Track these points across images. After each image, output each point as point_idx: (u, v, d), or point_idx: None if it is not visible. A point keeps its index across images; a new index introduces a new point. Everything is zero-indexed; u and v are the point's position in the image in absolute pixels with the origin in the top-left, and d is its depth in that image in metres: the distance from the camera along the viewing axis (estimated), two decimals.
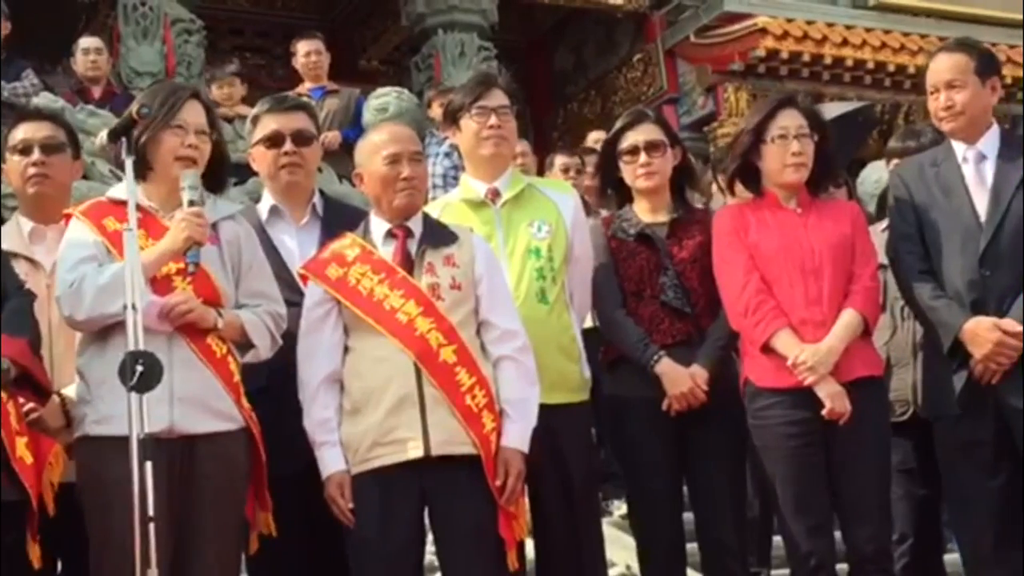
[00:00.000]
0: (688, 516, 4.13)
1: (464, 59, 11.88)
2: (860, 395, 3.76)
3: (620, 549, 5.27)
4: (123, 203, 3.29)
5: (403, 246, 3.60)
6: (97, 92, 8.08)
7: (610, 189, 4.28)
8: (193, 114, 3.48)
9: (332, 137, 7.51)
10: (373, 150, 3.67)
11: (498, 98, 4.00)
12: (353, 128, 7.88)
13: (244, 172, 6.21)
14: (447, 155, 7.54)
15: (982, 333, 3.77)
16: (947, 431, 3.94)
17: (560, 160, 6.87)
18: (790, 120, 3.93)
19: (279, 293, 3.57)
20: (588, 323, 4.34)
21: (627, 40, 14.15)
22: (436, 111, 8.28)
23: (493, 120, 3.96)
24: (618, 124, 4.24)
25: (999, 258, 3.83)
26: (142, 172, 3.44)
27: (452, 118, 4.07)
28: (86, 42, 8.35)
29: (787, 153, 3.90)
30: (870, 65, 12.94)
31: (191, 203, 3.31)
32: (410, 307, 3.48)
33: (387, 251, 3.60)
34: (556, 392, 3.78)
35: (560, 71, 15.28)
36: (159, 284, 3.30)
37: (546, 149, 8.76)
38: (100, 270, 3.28)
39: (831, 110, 11.88)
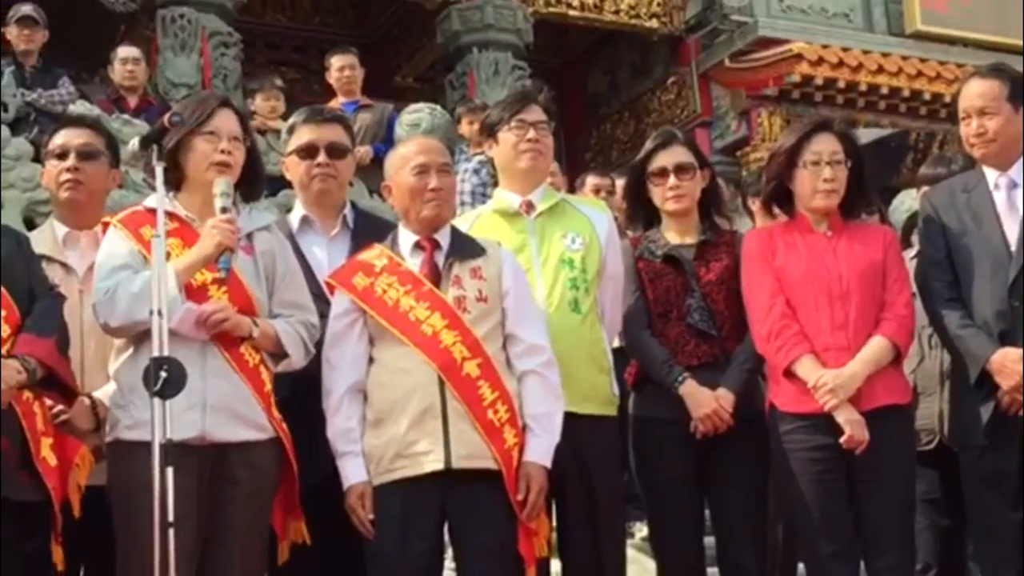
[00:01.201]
0: (710, 540, 4.11)
1: (498, 78, 11.93)
2: (883, 423, 3.73)
3: (640, 572, 5.24)
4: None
5: (430, 258, 3.61)
6: (133, 102, 8.12)
7: (639, 210, 4.27)
8: (225, 121, 3.49)
9: (364, 152, 7.52)
10: (401, 162, 3.68)
11: (536, 113, 4.00)
12: (385, 143, 7.90)
13: (276, 184, 6.27)
14: (476, 172, 7.54)
15: (1009, 364, 3.73)
16: (973, 461, 3.89)
17: (592, 180, 6.88)
18: (824, 145, 3.91)
19: (313, 303, 3.58)
20: (616, 343, 4.33)
21: (661, 63, 14.17)
22: (466, 128, 8.29)
23: (531, 134, 3.96)
24: (648, 145, 4.22)
25: None
26: (176, 182, 3.48)
27: (489, 131, 4.06)
28: (124, 51, 8.39)
29: (819, 179, 3.88)
30: (905, 93, 12.91)
31: (223, 210, 3.33)
32: (435, 319, 3.48)
33: (414, 263, 3.61)
34: (585, 403, 3.77)
35: (594, 92, 15.31)
36: (195, 293, 3.32)
37: (579, 170, 8.79)
38: (133, 278, 3.30)
39: (864, 136, 11.86)
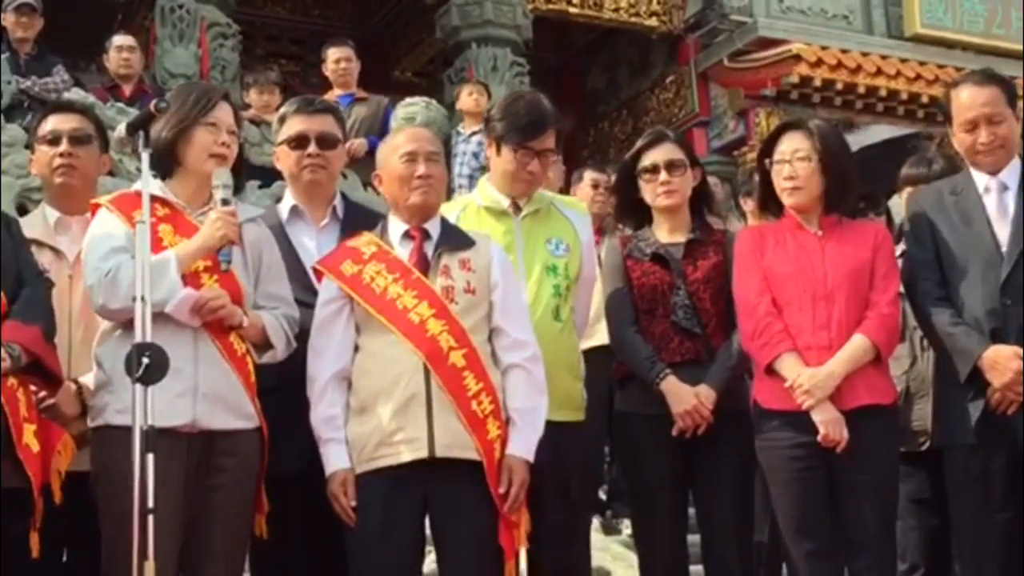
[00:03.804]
0: (695, 539, 4.10)
1: (497, 74, 11.91)
2: (864, 424, 3.71)
3: (626, 568, 5.26)
4: (156, 199, 3.32)
5: (420, 247, 3.60)
6: (128, 90, 8.10)
7: (627, 208, 4.26)
8: (225, 114, 3.51)
9: (358, 144, 7.52)
10: (391, 151, 3.68)
11: (547, 141, 3.93)
12: (380, 136, 7.89)
13: (269, 175, 6.26)
14: (475, 155, 7.52)
15: (1002, 361, 3.72)
16: (959, 460, 3.88)
17: (590, 176, 6.84)
18: (788, 144, 3.93)
19: (292, 297, 3.59)
20: (604, 340, 4.33)
21: (660, 62, 14.19)
22: (465, 100, 8.25)
23: (534, 165, 3.92)
24: (638, 144, 4.22)
25: (1021, 287, 3.78)
26: (169, 168, 3.48)
27: (496, 141, 3.98)
28: (119, 40, 8.37)
29: (780, 177, 3.91)
30: (904, 96, 12.93)
31: (224, 201, 3.34)
32: (423, 308, 3.47)
33: (404, 252, 3.60)
34: (562, 410, 3.77)
35: (592, 90, 15.32)
36: (188, 280, 3.31)
37: (575, 167, 8.76)
38: (130, 262, 3.26)
39: (877, 134, 11.83)
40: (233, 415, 3.33)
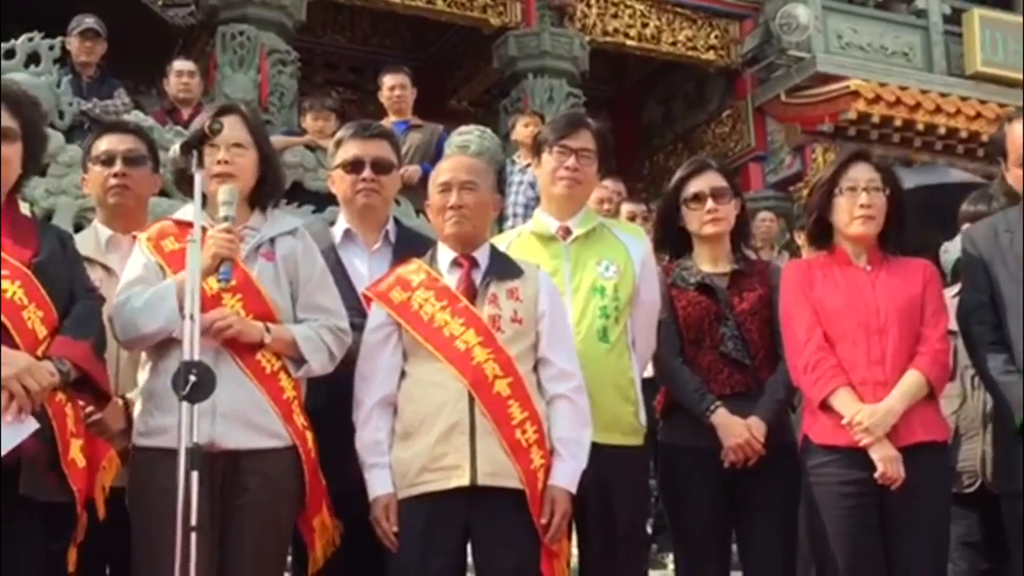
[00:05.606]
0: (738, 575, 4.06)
1: (552, 104, 11.94)
2: (918, 461, 3.66)
3: None
4: (187, 224, 3.34)
5: (468, 275, 3.60)
6: (186, 113, 8.16)
7: (668, 238, 4.25)
8: (225, 128, 3.46)
9: (412, 171, 7.53)
10: (432, 180, 3.72)
11: (583, 140, 3.98)
12: (434, 163, 7.89)
13: (323, 200, 6.29)
14: (531, 185, 7.51)
15: None
16: (1011, 506, 3.79)
17: (626, 208, 6.87)
18: (860, 173, 3.88)
19: (342, 307, 3.58)
20: (647, 372, 4.29)
21: (717, 95, 14.16)
22: (520, 132, 8.27)
23: (571, 162, 3.94)
24: (679, 173, 4.22)
25: None
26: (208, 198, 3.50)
27: (537, 150, 4.08)
28: (180, 64, 8.48)
29: (855, 205, 3.85)
30: (963, 134, 12.79)
31: (225, 219, 3.33)
32: (469, 336, 3.47)
33: (452, 279, 3.60)
34: (608, 432, 3.73)
35: (648, 123, 15.30)
36: (208, 301, 3.30)
37: (629, 199, 8.76)
38: (139, 293, 3.34)
39: (953, 176, 11.69)
40: (257, 434, 3.32)
